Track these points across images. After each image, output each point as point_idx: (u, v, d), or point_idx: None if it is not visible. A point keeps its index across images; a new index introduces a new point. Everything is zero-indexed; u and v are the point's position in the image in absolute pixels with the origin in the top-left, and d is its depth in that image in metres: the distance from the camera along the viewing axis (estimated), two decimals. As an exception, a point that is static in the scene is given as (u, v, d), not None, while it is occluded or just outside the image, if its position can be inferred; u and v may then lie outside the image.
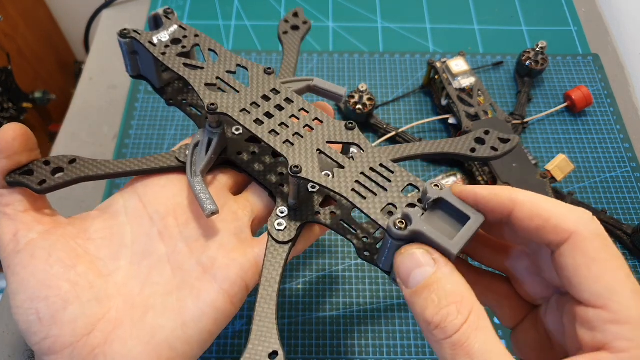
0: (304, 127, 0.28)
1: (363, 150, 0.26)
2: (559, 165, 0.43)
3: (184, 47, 0.30)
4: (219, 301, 0.26)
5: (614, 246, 0.20)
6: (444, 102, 0.50)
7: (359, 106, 0.49)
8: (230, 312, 0.26)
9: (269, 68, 0.30)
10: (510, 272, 0.25)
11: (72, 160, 0.28)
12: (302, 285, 0.42)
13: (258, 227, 0.31)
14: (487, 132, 0.29)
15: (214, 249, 0.27)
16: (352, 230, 0.29)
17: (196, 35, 0.31)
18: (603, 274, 0.19)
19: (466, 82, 0.49)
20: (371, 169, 0.26)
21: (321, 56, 0.57)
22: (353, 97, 0.49)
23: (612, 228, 0.45)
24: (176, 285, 0.26)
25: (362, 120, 0.50)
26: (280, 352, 0.23)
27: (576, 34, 0.60)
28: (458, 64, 0.50)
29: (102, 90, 0.54)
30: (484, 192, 0.22)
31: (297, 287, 0.42)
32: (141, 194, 0.29)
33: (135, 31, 0.30)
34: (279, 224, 0.28)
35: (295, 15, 0.36)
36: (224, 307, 0.26)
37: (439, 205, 0.23)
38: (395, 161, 0.27)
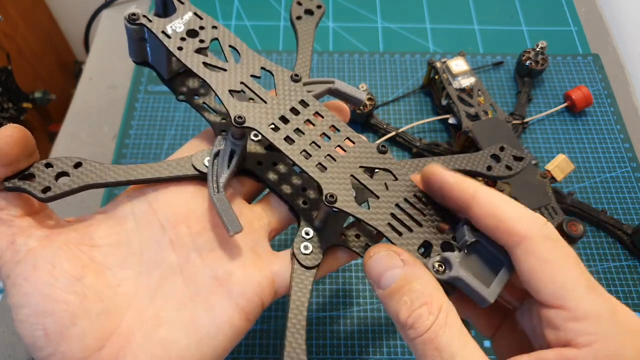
0: (335, 148, 0.26)
1: (396, 179, 0.25)
2: (559, 165, 0.43)
3: (202, 41, 0.28)
4: (234, 318, 0.24)
5: (567, 246, 0.21)
6: (444, 102, 0.50)
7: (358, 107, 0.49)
8: (245, 329, 0.25)
9: (296, 75, 0.28)
10: None
11: (78, 164, 0.25)
12: (302, 286, 0.42)
13: (272, 239, 0.29)
14: (502, 149, 0.28)
15: (229, 262, 0.26)
16: None
17: (214, 27, 0.28)
18: (557, 274, 0.20)
19: (466, 82, 0.49)
20: (405, 199, 0.25)
21: (321, 56, 0.57)
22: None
23: (612, 228, 0.45)
24: (189, 297, 0.25)
25: (362, 120, 0.50)
26: None
27: (576, 34, 0.60)
28: (458, 64, 0.50)
29: (102, 90, 0.54)
30: (450, 179, 0.23)
31: (297, 287, 0.42)
32: (151, 199, 0.26)
33: (145, 16, 0.27)
34: (305, 247, 0.26)
35: None
36: (239, 323, 0.25)
37: (474, 245, 0.23)
38: None
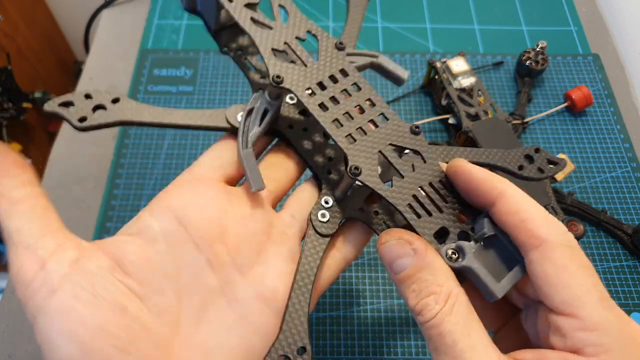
0: (367, 122, 0.26)
1: (425, 162, 0.25)
2: None
3: None
4: None
5: (584, 256, 0.21)
6: (444, 102, 0.50)
7: None
8: None
9: (341, 43, 0.28)
10: None
11: (116, 100, 0.25)
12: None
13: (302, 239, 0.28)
14: (537, 150, 0.28)
15: (272, 277, 0.24)
16: None
17: None
18: (571, 282, 0.20)
19: (466, 82, 0.49)
20: (430, 184, 0.25)
21: (321, 56, 0.57)
22: None
23: (612, 228, 0.45)
24: (236, 320, 0.23)
25: None
26: (308, 348, 0.22)
27: (576, 33, 0.60)
28: (458, 64, 0.50)
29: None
30: (479, 174, 0.23)
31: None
32: (180, 216, 0.24)
33: None
34: (322, 215, 0.26)
35: None
36: None
37: (491, 239, 0.23)
38: None
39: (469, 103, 0.48)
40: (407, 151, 0.26)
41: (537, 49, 0.53)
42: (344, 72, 0.27)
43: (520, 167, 0.27)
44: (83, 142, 0.49)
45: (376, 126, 0.26)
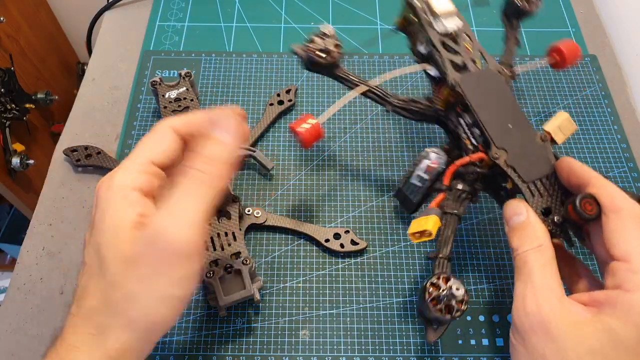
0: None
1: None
2: (561, 125, 0.36)
3: None
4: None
5: None
6: (423, 49, 0.41)
7: (321, 54, 0.39)
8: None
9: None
10: (588, 238, 0.33)
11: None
12: (302, 284, 0.43)
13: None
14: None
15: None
16: None
17: None
18: (633, 239, 0.28)
19: (451, 25, 0.40)
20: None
21: (321, 57, 0.57)
22: (313, 41, 0.39)
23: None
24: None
25: (326, 72, 0.41)
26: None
27: (574, 35, 0.61)
28: (441, 2, 0.40)
29: (104, 91, 0.55)
30: (578, 163, 0.33)
31: (298, 285, 0.43)
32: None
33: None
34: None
35: None
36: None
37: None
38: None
39: (454, 50, 0.39)
40: None
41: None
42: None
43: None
44: (86, 143, 0.50)
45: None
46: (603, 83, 0.56)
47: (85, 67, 0.58)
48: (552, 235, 0.32)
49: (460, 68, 0.38)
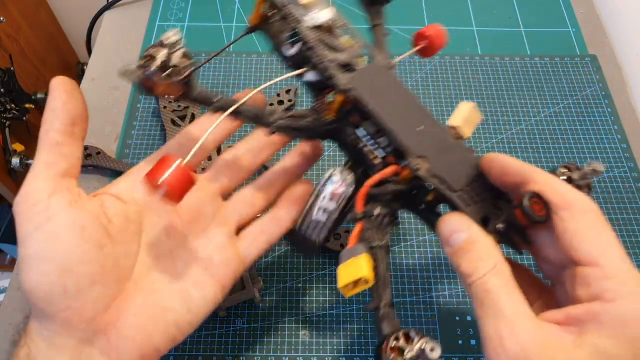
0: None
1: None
2: (469, 117, 0.31)
3: None
4: (217, 294, 0.30)
5: (607, 222, 0.25)
6: (291, 50, 0.31)
7: (165, 72, 0.26)
8: (219, 301, 0.30)
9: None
10: (534, 241, 0.29)
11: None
12: (301, 284, 0.43)
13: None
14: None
15: (211, 249, 0.31)
16: None
17: None
18: (596, 237, 0.24)
19: (323, 16, 0.31)
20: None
21: (321, 57, 0.57)
22: (152, 57, 0.26)
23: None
24: (177, 274, 0.29)
25: (179, 97, 0.28)
26: None
27: (574, 35, 0.61)
28: None
29: (104, 91, 0.55)
30: (512, 162, 0.28)
31: (298, 285, 0.43)
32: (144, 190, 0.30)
33: None
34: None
35: None
36: (218, 298, 0.30)
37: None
38: None
39: (333, 47, 0.31)
40: None
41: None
42: None
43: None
44: (86, 143, 0.50)
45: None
46: (603, 83, 0.56)
47: (85, 67, 0.58)
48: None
49: (346, 67, 0.30)
